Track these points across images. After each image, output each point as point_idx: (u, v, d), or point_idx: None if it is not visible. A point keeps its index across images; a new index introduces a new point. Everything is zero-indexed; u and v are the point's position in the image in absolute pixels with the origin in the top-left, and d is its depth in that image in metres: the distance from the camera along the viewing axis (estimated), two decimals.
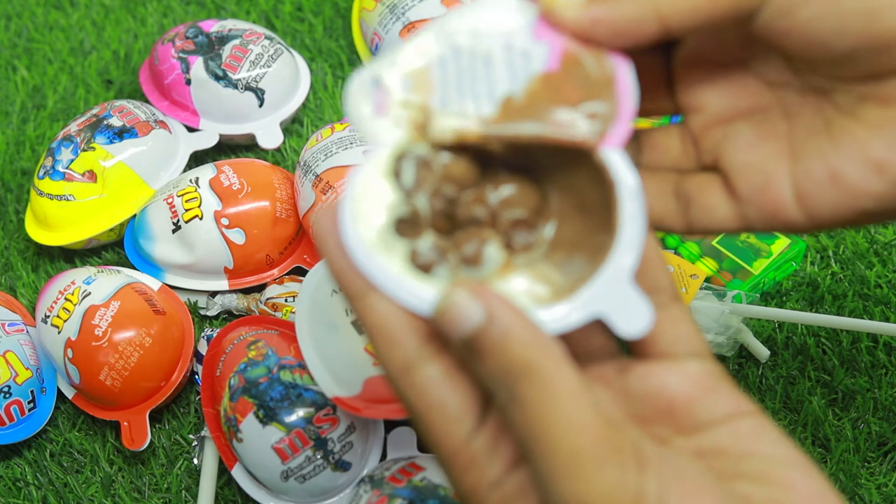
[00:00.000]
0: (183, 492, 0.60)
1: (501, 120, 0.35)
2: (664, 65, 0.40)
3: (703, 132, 0.39)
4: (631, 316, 0.33)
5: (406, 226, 0.35)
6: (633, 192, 0.35)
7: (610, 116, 0.35)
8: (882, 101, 0.35)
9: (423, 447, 0.59)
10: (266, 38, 0.73)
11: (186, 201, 0.65)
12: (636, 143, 0.40)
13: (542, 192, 0.38)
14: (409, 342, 0.32)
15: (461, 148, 0.36)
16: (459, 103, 0.36)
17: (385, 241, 0.34)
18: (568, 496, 0.29)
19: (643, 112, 0.40)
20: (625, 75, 0.36)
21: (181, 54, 0.72)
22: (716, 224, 0.38)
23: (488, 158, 0.37)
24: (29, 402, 0.61)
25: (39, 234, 0.68)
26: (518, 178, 0.37)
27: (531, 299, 0.34)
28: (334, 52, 0.78)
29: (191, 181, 0.66)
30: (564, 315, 0.33)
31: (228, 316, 0.67)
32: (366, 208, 0.34)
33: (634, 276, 0.34)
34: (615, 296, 0.34)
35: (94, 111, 0.70)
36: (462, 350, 0.31)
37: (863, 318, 0.62)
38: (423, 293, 0.33)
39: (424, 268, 0.34)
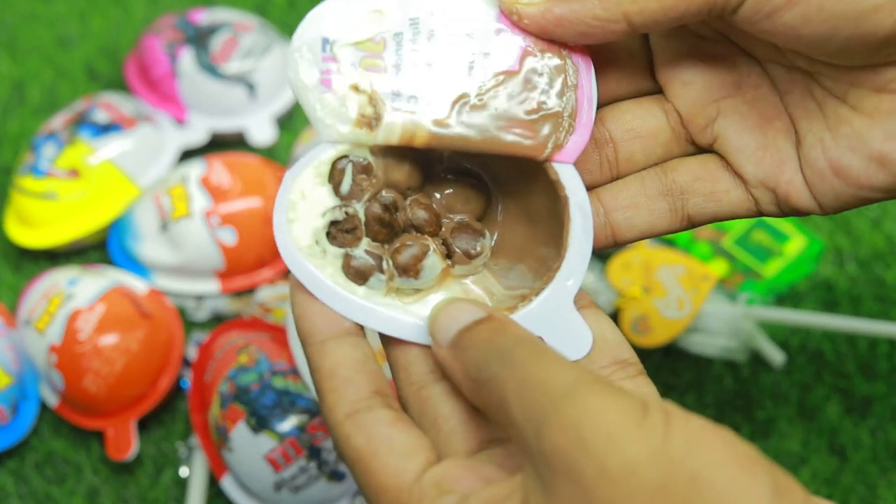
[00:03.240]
0: (171, 503, 0.59)
1: (452, 123, 0.34)
2: (643, 41, 0.38)
3: (696, 109, 0.37)
4: (571, 340, 0.34)
5: (340, 232, 0.34)
6: (583, 211, 0.34)
7: (567, 125, 0.35)
8: (876, 88, 0.34)
9: None
10: (258, 28, 0.72)
11: (174, 199, 0.65)
12: (609, 141, 0.38)
13: (488, 197, 0.37)
14: (363, 386, 0.33)
15: (405, 150, 0.35)
16: (410, 98, 0.34)
17: (319, 247, 0.34)
18: (567, 428, 0.27)
19: (621, 96, 0.38)
20: (587, 80, 0.35)
21: (169, 46, 0.71)
22: (724, 211, 0.37)
23: (434, 161, 0.36)
24: (10, 410, 0.60)
25: (21, 235, 0.68)
26: (464, 182, 0.37)
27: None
28: None
29: (179, 178, 0.66)
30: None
31: (218, 320, 0.66)
32: (301, 212, 0.34)
33: (575, 300, 0.34)
34: (556, 320, 0.34)
35: (79, 105, 0.69)
36: (447, 349, 0.32)
37: (881, 322, 0.61)
38: (354, 300, 0.34)
39: (358, 275, 0.34)
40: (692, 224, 0.38)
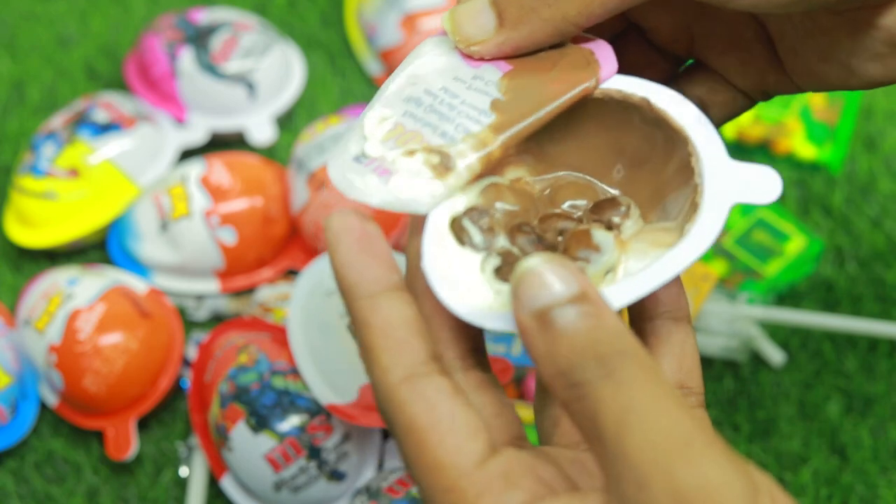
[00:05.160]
0: (171, 502, 0.59)
1: (507, 117, 0.34)
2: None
3: (671, 42, 0.39)
4: (759, 186, 0.32)
5: (508, 269, 0.33)
6: (670, 97, 0.34)
7: (591, 58, 0.35)
8: (833, 10, 0.35)
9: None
10: (258, 28, 0.72)
11: (174, 198, 0.64)
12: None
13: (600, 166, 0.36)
14: (420, 349, 0.30)
15: (499, 172, 0.35)
16: (458, 128, 0.34)
17: (503, 296, 0.32)
18: (677, 497, 0.26)
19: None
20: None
21: (168, 45, 0.70)
22: (736, 112, 0.39)
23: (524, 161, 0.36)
24: (10, 410, 0.60)
25: (21, 234, 0.67)
26: (566, 171, 0.36)
27: (661, 248, 0.33)
28: (329, 44, 0.77)
29: (179, 177, 0.65)
30: (707, 226, 0.32)
31: (218, 319, 0.65)
32: (464, 282, 0.33)
33: (670, 308, 0.34)
34: (733, 181, 0.32)
35: (78, 105, 0.69)
36: (530, 318, 0.29)
37: (881, 322, 0.61)
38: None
39: None
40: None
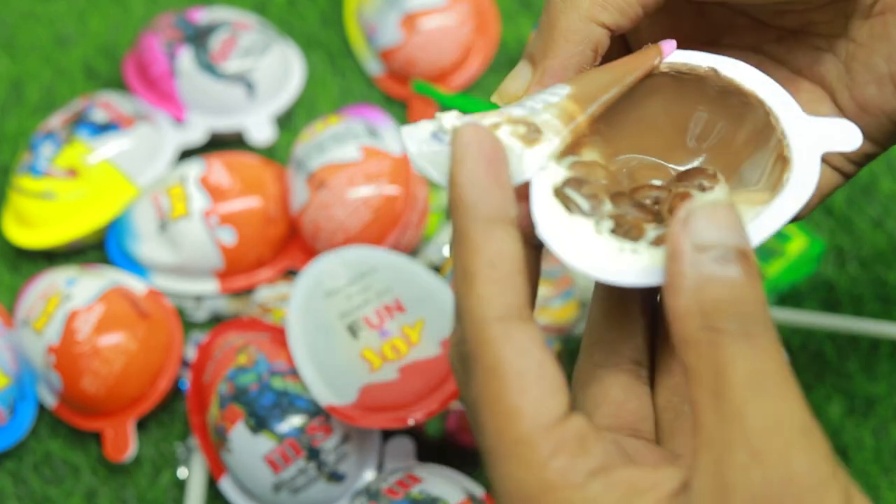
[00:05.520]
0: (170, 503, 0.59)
1: (581, 92, 0.34)
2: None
3: None
4: (841, 136, 0.33)
5: (624, 230, 0.33)
6: (736, 64, 0.34)
7: (649, 43, 0.36)
8: (864, 15, 0.35)
9: (422, 457, 0.57)
10: (257, 27, 0.72)
11: (173, 199, 0.64)
12: None
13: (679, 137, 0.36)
14: (522, 291, 0.29)
15: (584, 147, 0.35)
16: (536, 101, 0.33)
17: (643, 254, 0.32)
18: (795, 464, 0.26)
19: None
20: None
21: (168, 45, 0.70)
22: (821, 187, 0.39)
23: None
24: (8, 411, 0.60)
25: (19, 235, 0.67)
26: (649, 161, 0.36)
27: (756, 206, 0.33)
28: (329, 43, 0.77)
29: (178, 177, 0.65)
30: (803, 175, 0.32)
31: (217, 320, 0.65)
32: (580, 246, 0.32)
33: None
34: (815, 134, 0.33)
35: (77, 105, 0.69)
36: (691, 244, 0.28)
37: (883, 322, 0.61)
38: None
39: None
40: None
